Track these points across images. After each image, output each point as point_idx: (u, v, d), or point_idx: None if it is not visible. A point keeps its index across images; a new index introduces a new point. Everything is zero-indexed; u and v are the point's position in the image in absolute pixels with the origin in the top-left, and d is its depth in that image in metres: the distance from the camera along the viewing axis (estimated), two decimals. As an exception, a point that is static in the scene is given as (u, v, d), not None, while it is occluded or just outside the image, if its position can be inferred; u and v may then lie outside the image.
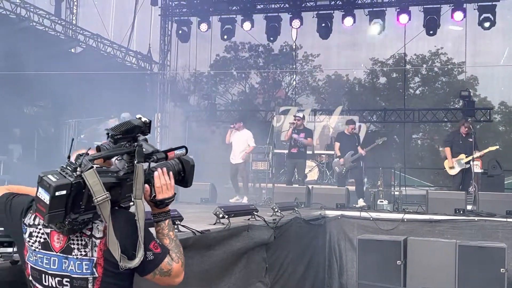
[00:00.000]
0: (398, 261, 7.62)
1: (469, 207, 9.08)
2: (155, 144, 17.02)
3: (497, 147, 11.58)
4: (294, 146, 11.38)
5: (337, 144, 11.53)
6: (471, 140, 10.50)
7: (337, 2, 17.01)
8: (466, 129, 10.58)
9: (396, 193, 11.73)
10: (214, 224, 5.11)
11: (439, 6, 16.00)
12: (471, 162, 10.39)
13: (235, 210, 5.71)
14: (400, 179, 13.69)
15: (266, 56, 29.88)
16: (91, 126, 20.76)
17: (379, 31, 16.27)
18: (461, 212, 8.60)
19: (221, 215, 5.23)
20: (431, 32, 15.94)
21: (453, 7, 15.74)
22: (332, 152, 12.90)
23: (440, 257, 7.56)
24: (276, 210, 6.76)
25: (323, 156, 14.24)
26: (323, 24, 16.60)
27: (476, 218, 8.31)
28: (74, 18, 17.53)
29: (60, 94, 12.50)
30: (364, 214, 8.84)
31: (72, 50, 15.88)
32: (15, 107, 13.77)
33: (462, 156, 10.53)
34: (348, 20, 16.35)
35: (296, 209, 7.72)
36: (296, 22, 16.92)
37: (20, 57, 11.49)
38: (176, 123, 18.24)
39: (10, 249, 2.55)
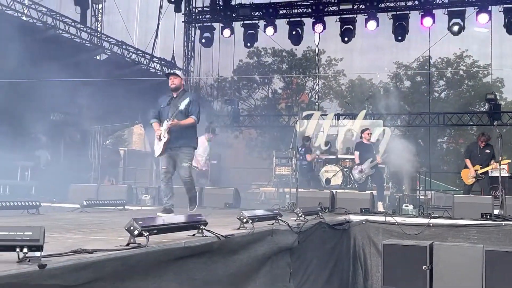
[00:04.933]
0: (424, 266, 7.53)
1: (496, 212, 8.94)
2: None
3: (509, 160, 11.78)
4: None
5: (356, 153, 11.86)
6: (488, 151, 11.25)
7: (360, 6, 16.94)
8: (483, 142, 11.29)
9: (421, 197, 11.62)
10: (238, 228, 5.10)
11: (464, 8, 15.84)
12: (498, 167, 10.51)
13: (259, 215, 5.70)
14: (425, 184, 13.57)
15: (289, 61, 29.90)
16: (116, 132, 21.05)
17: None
18: (488, 216, 8.47)
19: (245, 220, 5.23)
20: (455, 35, 15.80)
21: (478, 10, 15.56)
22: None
23: (467, 262, 7.45)
24: (300, 215, 6.74)
25: (347, 160, 14.16)
26: (346, 28, 16.56)
27: (503, 223, 8.17)
28: (99, 25, 17.78)
29: (86, 100, 12.67)
30: (389, 219, 8.75)
31: (97, 57, 16.09)
32: (42, 114, 14.01)
33: (477, 167, 11.14)
34: (372, 24, 16.29)
35: (320, 214, 7.69)
36: (318, 27, 16.92)
37: (47, 64, 11.68)
38: (200, 128, 18.32)
39: (38, 253, 2.58)
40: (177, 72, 7.68)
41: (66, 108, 15.00)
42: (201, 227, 4.29)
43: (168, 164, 7.40)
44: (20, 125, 12.16)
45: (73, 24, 14.99)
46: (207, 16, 18.42)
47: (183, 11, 18.20)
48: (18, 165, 12.42)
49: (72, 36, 14.83)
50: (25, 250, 2.54)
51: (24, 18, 13.34)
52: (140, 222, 3.48)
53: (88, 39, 15.59)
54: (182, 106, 7.11)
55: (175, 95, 7.39)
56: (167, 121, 7.10)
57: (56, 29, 14.01)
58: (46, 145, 14.52)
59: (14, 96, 11.39)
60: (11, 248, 2.53)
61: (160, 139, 7.21)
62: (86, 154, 15.63)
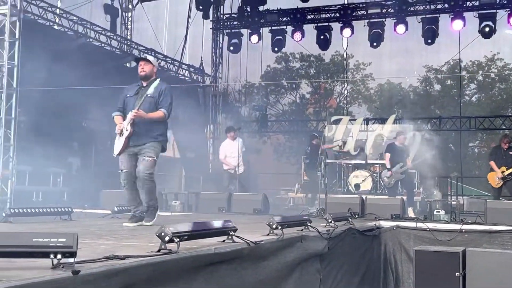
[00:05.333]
0: (456, 273, 7.40)
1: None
2: (208, 156, 17.21)
3: None
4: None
5: (387, 155, 11.70)
6: None
7: (389, 10, 16.81)
8: (506, 144, 11.24)
9: (453, 203, 11.44)
10: (268, 234, 5.09)
11: (495, 11, 15.58)
12: None
13: (288, 221, 5.68)
14: (457, 189, 13.35)
15: (317, 66, 29.83)
16: (146, 138, 21.28)
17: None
18: (523, 222, 8.29)
19: (274, 226, 5.21)
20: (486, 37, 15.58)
21: (509, 12, 15.29)
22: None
23: (501, 269, 7.29)
24: (329, 220, 6.69)
25: (377, 166, 14.03)
26: (375, 32, 16.45)
27: (539, 229, 7.99)
28: (128, 33, 18.01)
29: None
30: (420, 224, 8.63)
31: (127, 65, 16.29)
32: (74, 121, 14.24)
33: (503, 169, 11.09)
34: (401, 28, 16.15)
35: (350, 219, 7.63)
36: (347, 31, 16.85)
37: (78, 72, 11.88)
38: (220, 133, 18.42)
39: (71, 260, 2.62)
40: (149, 57, 6.66)
41: (97, 115, 15.20)
42: (230, 233, 4.29)
43: (130, 165, 6.29)
44: (52, 132, 12.36)
45: (103, 32, 15.24)
46: (235, 23, 18.51)
47: (211, 18, 18.33)
48: (51, 171, 12.63)
49: (102, 44, 15.07)
50: (59, 256, 2.57)
51: (55, 27, 13.61)
52: (171, 228, 3.50)
53: (118, 46, 15.83)
54: (151, 96, 6.16)
55: (144, 84, 6.33)
56: (132, 112, 6.09)
57: (87, 38, 14.26)
58: (77, 152, 14.74)
59: (46, 103, 11.60)
60: (46, 255, 2.57)
61: (121, 134, 6.17)
62: (116, 160, 15.80)
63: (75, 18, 14.12)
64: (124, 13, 17.94)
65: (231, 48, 18.08)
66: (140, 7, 18.21)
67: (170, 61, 17.50)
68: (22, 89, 10.43)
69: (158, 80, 6.25)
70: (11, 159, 10.09)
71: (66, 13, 13.99)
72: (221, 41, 18.89)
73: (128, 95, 6.42)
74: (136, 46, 16.63)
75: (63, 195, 12.63)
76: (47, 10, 13.30)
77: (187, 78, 18.19)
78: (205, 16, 17.56)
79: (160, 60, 17.10)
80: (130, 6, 18.18)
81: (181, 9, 19.08)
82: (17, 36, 10.24)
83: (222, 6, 18.83)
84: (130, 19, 18.21)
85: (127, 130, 6.10)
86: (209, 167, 18.22)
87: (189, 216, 9.44)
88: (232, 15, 18.50)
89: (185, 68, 18.15)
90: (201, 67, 18.62)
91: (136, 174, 6.21)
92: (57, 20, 13.64)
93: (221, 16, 18.83)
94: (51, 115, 11.83)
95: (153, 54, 16.80)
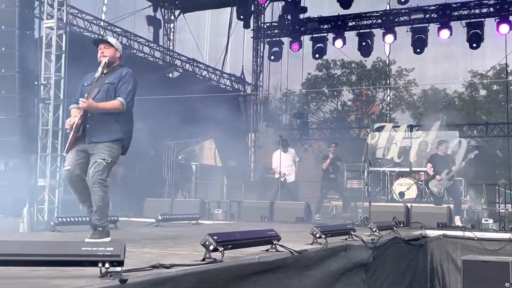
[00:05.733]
0: (506, 283, 7.18)
1: None
2: (250, 164, 17.23)
3: None
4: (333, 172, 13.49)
5: (429, 165, 11.44)
6: None
7: (432, 15, 16.55)
8: None
9: (502, 211, 11.11)
10: (311, 244, 5.06)
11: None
12: None
13: (332, 229, 5.63)
14: (505, 196, 12.98)
15: (358, 72, 29.58)
16: (188, 147, 21.48)
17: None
18: None
19: (318, 235, 5.18)
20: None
21: (559, 13, 14.85)
22: (431, 169, 12.55)
23: (554, 280, 7.04)
24: (374, 229, 6.60)
25: (421, 173, 13.77)
26: (418, 38, 16.22)
27: None
28: (171, 44, 18.27)
29: (159, 117, 13.02)
30: (468, 233, 8.41)
31: (170, 75, 16.54)
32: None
33: None
34: (445, 33, 15.88)
35: (395, 228, 7.51)
36: (389, 37, 16.67)
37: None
38: (269, 142, 18.42)
39: (119, 268, 2.65)
40: (111, 39, 5.66)
41: (139, 124, 15.44)
42: (274, 242, 4.29)
43: (74, 162, 5.11)
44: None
45: (146, 43, 15.51)
46: (276, 31, 18.56)
47: (251, 27, 18.42)
48: (96, 180, 12.85)
49: (146, 55, 15.34)
50: (107, 265, 2.61)
51: (100, 39, 13.90)
52: (215, 237, 3.52)
53: (160, 57, 16.08)
54: (110, 83, 5.22)
55: (105, 72, 5.36)
56: (80, 101, 5.08)
57: (130, 49, 14.54)
58: (121, 161, 14.98)
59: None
60: (94, 264, 2.62)
61: (72, 129, 5.14)
62: (159, 169, 16.03)
63: (119, 30, 14.43)
64: (166, 24, 18.23)
65: (272, 57, 18.14)
66: (182, 18, 18.47)
67: (211, 71, 17.67)
68: (68, 100, 10.67)
69: (119, 74, 5.27)
70: (58, 169, 10.30)
71: (110, 25, 14.33)
72: (261, 50, 18.97)
73: (85, 84, 5.42)
74: (178, 57, 16.86)
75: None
76: (92, 23, 13.64)
77: (228, 87, 18.31)
78: (246, 26, 17.66)
79: (202, 70, 17.28)
80: (172, 17, 18.46)
81: (222, 19, 19.26)
82: (63, 48, 10.45)
83: (262, 15, 18.92)
84: (172, 30, 18.49)
85: (77, 124, 5.08)
86: (250, 175, 18.25)
87: (231, 224, 9.48)
88: (273, 23, 18.57)
89: (226, 77, 18.29)
90: (242, 76, 18.72)
91: (86, 178, 5.06)
92: (101, 32, 13.95)
93: (262, 25, 18.92)
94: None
95: (194, 64, 17.00)
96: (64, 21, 10.58)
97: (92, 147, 5.12)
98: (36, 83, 10.31)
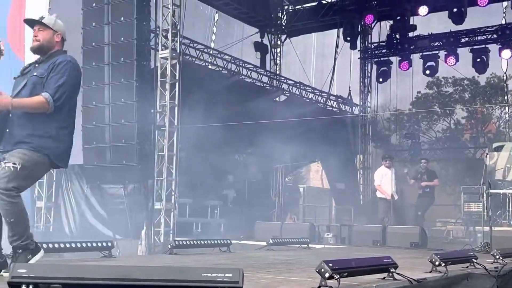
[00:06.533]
0: None
1: None
2: (359, 186, 16.98)
3: None
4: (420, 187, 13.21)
5: None
6: None
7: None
8: None
9: None
10: (430, 272, 4.84)
11: None
12: None
13: (452, 257, 5.35)
14: None
15: (471, 89, 28.25)
16: (296, 170, 21.54)
17: None
18: None
19: (437, 262, 4.94)
20: None
21: None
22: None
23: None
24: (497, 256, 6.18)
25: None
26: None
27: None
28: (277, 68, 18.52)
29: (267, 141, 13.19)
30: None
31: (277, 99, 16.74)
32: (228, 155, 14.88)
33: None
34: None
35: (521, 255, 6.99)
36: (506, 53, 15.81)
37: (232, 108, 12.45)
38: (379, 164, 18.03)
39: None
40: (47, 18, 4.31)
41: (248, 148, 15.75)
42: (391, 270, 4.14)
43: None
44: (209, 166, 13.00)
45: (254, 69, 15.86)
46: (384, 51, 18.25)
47: (358, 48, 18.25)
48: (208, 203, 13.25)
49: (254, 81, 15.67)
50: (225, 291, 2.64)
51: (210, 67, 14.42)
52: (330, 265, 3.45)
53: (268, 82, 16.35)
54: (38, 76, 4.07)
55: (40, 61, 4.23)
56: None
57: (239, 75, 14.93)
58: (232, 184, 15.35)
59: (202, 139, 12.26)
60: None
61: None
62: (268, 192, 16.20)
63: (227, 57, 14.88)
64: (273, 49, 18.53)
65: (381, 79, 17.85)
66: (288, 42, 18.69)
67: (318, 93, 17.66)
68: (182, 126, 11.12)
69: (54, 62, 4.10)
70: (173, 192, 10.74)
71: (220, 53, 14.81)
72: (369, 70, 18.72)
73: (15, 77, 4.34)
74: (285, 80, 17.05)
75: (220, 227, 13.15)
76: (203, 52, 14.18)
77: (335, 109, 18.20)
78: (353, 47, 17.52)
79: (308, 93, 17.32)
80: (278, 42, 18.74)
81: (328, 41, 19.28)
82: (177, 77, 10.98)
83: (369, 36, 18.70)
84: (279, 54, 18.75)
85: None
86: (360, 198, 17.91)
87: (343, 249, 9.31)
88: (381, 43, 18.28)
89: (333, 99, 18.20)
90: (349, 97, 18.54)
91: None
92: (211, 60, 14.46)
93: (369, 45, 18.69)
94: (207, 150, 12.46)
95: (301, 87, 17.09)
96: (178, 51, 11.13)
97: (3, 157, 4.01)
98: (152, 110, 10.88)
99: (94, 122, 10.77)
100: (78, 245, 6.01)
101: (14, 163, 3.85)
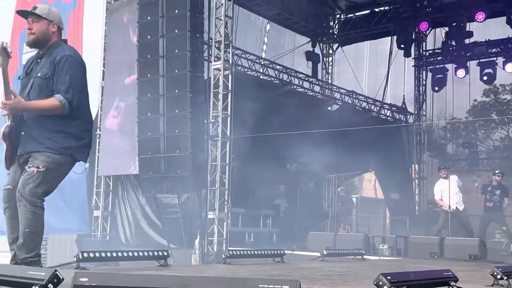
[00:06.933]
0: None
1: None
2: (414, 197, 16.62)
3: None
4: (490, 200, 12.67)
5: None
6: None
7: None
8: None
9: None
10: (492, 286, 4.68)
11: None
12: None
13: (515, 270, 5.14)
14: None
15: (531, 96, 27.30)
16: (348, 180, 21.30)
17: None
18: None
19: (499, 276, 4.76)
20: None
21: None
22: None
23: None
24: None
25: None
26: None
27: None
28: (329, 77, 18.42)
29: (319, 150, 13.11)
30: None
31: (329, 108, 16.63)
32: (280, 164, 14.87)
33: None
34: None
35: None
36: None
37: (284, 118, 12.45)
38: (435, 173, 17.61)
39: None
40: (41, 7, 4.10)
41: (300, 158, 15.69)
42: (451, 283, 4.03)
43: (14, 180, 4.04)
44: (261, 176, 13.03)
45: (306, 78, 15.82)
46: (439, 58, 17.86)
47: (413, 55, 17.94)
48: (261, 213, 13.27)
49: (306, 90, 15.62)
50: (283, 303, 2.62)
51: (262, 77, 14.48)
52: (388, 277, 3.39)
53: (320, 91, 16.27)
54: (42, 73, 3.99)
55: (40, 56, 4.12)
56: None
57: (291, 85, 14.92)
58: (284, 194, 15.32)
59: (254, 149, 12.31)
60: (271, 301, 2.64)
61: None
62: (320, 202, 16.07)
63: (279, 67, 14.91)
64: (325, 58, 18.45)
65: (436, 87, 17.45)
66: (340, 51, 18.57)
67: (371, 102, 17.43)
68: (235, 136, 11.19)
69: (55, 58, 3.98)
70: (226, 202, 10.81)
71: (271, 63, 14.87)
72: (424, 78, 18.36)
73: (20, 77, 4.23)
74: (337, 89, 16.93)
75: (272, 236, 13.14)
76: (255, 62, 14.26)
77: (389, 118, 17.92)
78: (407, 54, 17.23)
79: (361, 102, 17.12)
80: (330, 51, 18.65)
81: (381, 49, 19.03)
82: (229, 88, 11.08)
83: (424, 43, 18.34)
84: (330, 63, 18.65)
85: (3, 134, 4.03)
86: (415, 208, 17.52)
87: (399, 261, 9.13)
88: (436, 50, 17.90)
89: (387, 108, 17.92)
90: (403, 106, 18.22)
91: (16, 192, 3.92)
92: (263, 71, 14.52)
93: (424, 52, 18.34)
94: (259, 159, 12.50)
95: (354, 96, 16.91)
96: (230, 62, 11.24)
97: (24, 159, 4.04)
98: (205, 121, 11.01)
99: (149, 132, 11.00)
100: (135, 254, 6.12)
101: (38, 167, 3.87)
